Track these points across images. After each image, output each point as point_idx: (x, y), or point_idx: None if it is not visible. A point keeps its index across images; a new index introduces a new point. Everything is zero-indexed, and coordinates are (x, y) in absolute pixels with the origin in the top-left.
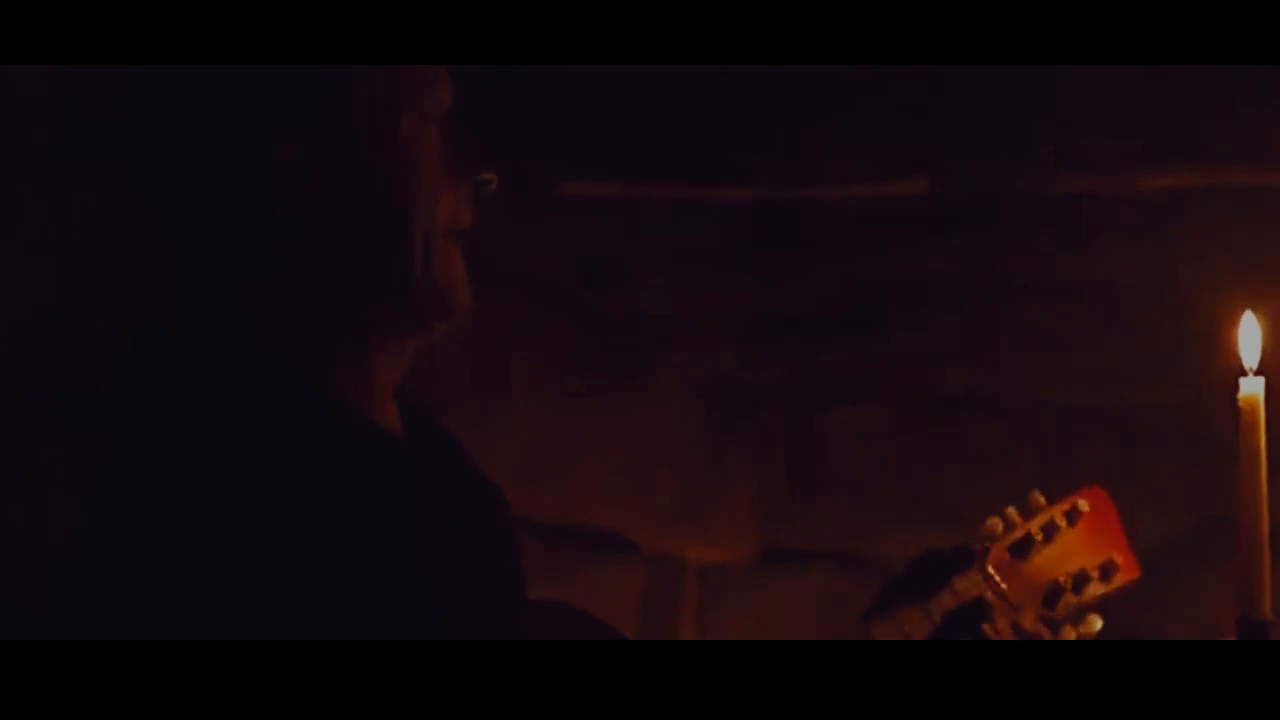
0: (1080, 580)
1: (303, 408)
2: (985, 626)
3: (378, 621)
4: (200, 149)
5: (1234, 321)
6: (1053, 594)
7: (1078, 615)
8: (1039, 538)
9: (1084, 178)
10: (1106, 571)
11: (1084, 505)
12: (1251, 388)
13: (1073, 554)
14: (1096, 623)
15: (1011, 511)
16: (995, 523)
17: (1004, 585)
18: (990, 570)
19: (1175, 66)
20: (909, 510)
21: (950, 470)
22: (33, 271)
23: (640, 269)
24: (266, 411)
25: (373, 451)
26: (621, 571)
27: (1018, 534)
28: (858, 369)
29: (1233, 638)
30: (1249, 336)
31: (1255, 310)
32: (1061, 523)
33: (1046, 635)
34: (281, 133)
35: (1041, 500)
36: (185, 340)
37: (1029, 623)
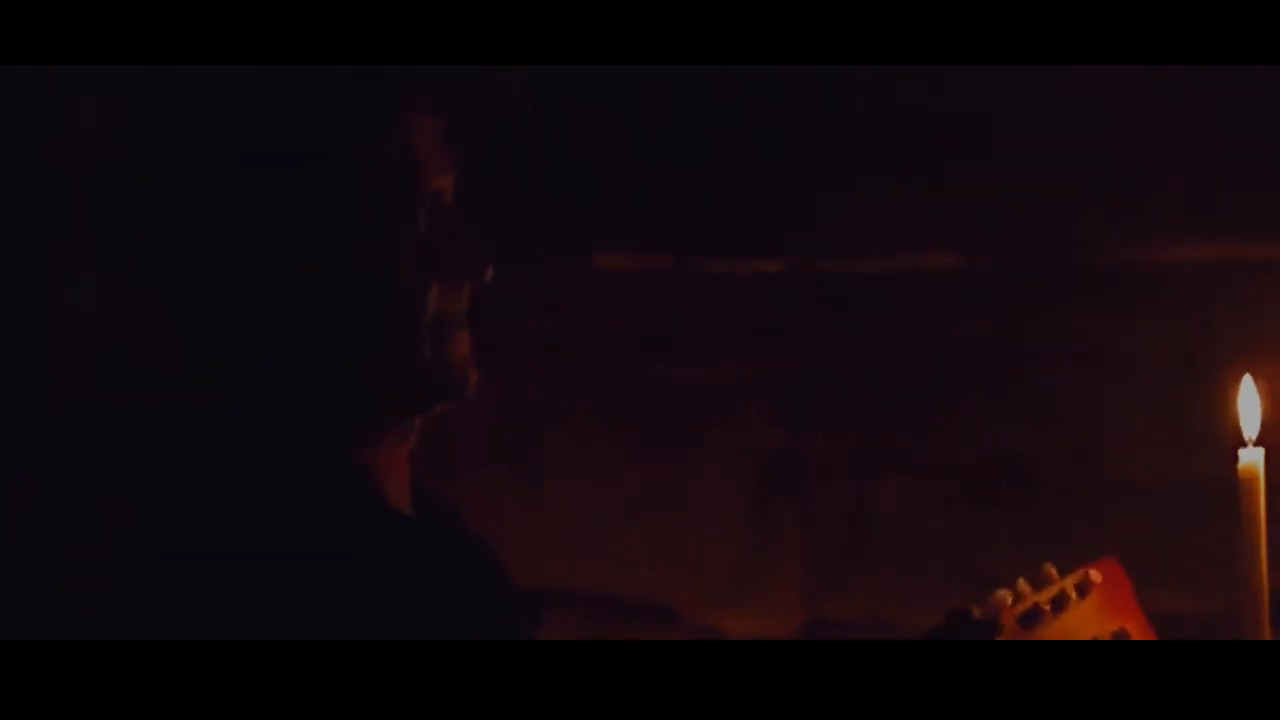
0: None
1: (314, 475)
2: None
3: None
4: (195, 224)
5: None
6: None
7: None
8: (1047, 608)
9: (1121, 248)
10: (1119, 640)
11: (1095, 576)
12: (1250, 458)
13: (1083, 625)
14: None
15: (1022, 583)
16: (1004, 595)
17: None
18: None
19: (1209, 142)
20: (953, 582)
21: (994, 541)
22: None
23: (680, 340)
24: (277, 477)
25: (377, 523)
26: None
27: (1026, 604)
28: (901, 441)
29: None
30: (1248, 406)
31: (1256, 379)
32: (1072, 594)
33: None
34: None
35: (1053, 573)
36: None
37: None
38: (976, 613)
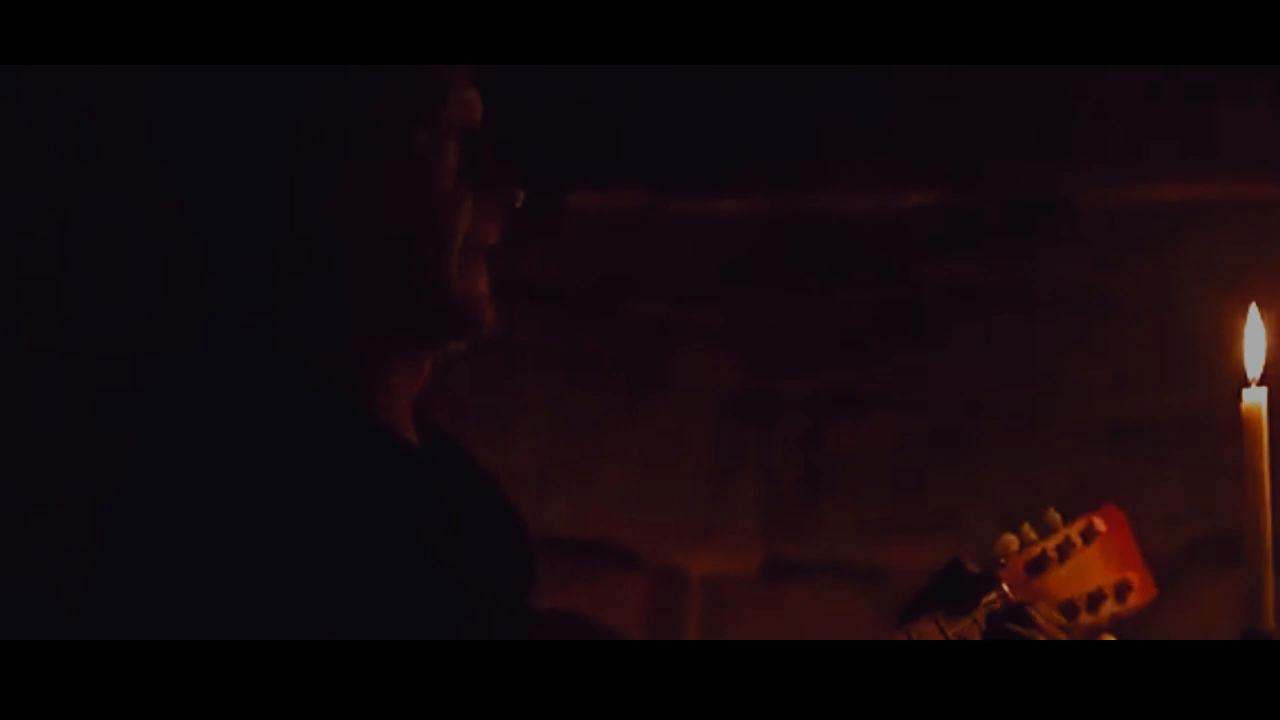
0: (1095, 599)
1: (321, 412)
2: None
3: (386, 626)
4: (223, 159)
5: (1238, 331)
6: (1068, 612)
7: (1092, 634)
8: (1054, 556)
9: (1099, 188)
10: (1121, 591)
11: (1100, 525)
12: (1254, 398)
13: (1088, 573)
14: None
15: (1027, 529)
16: (1010, 540)
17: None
18: (1005, 588)
19: (1191, 77)
20: (914, 521)
21: (956, 481)
22: (62, 276)
23: (650, 281)
24: (284, 415)
25: (389, 457)
26: (627, 583)
27: (1034, 551)
28: (864, 380)
29: None
30: (1253, 346)
31: (1259, 318)
32: (1077, 541)
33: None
34: (299, 141)
35: (1057, 518)
36: (209, 344)
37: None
38: (973, 567)
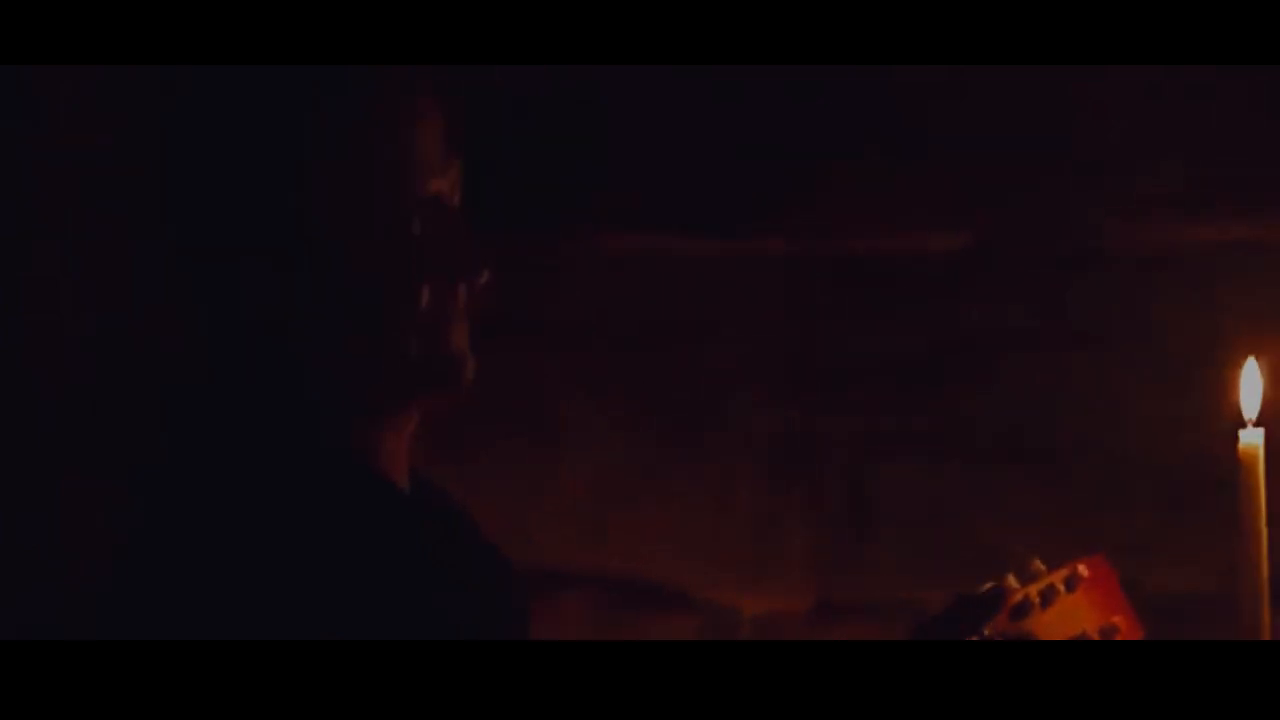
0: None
1: (311, 458)
2: None
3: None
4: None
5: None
6: None
7: None
8: (1036, 601)
9: (1131, 230)
10: (1106, 634)
11: (1083, 571)
12: (1251, 439)
13: (1072, 618)
14: None
15: (1010, 578)
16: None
17: None
18: (986, 634)
19: (1224, 119)
20: (962, 561)
21: (1004, 521)
22: (62, 276)
23: (695, 322)
24: (274, 461)
25: (378, 505)
26: (679, 622)
27: (1016, 598)
28: (911, 421)
29: None
30: (1250, 386)
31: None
32: (1060, 588)
33: None
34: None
35: (1041, 567)
36: (199, 389)
37: None
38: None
